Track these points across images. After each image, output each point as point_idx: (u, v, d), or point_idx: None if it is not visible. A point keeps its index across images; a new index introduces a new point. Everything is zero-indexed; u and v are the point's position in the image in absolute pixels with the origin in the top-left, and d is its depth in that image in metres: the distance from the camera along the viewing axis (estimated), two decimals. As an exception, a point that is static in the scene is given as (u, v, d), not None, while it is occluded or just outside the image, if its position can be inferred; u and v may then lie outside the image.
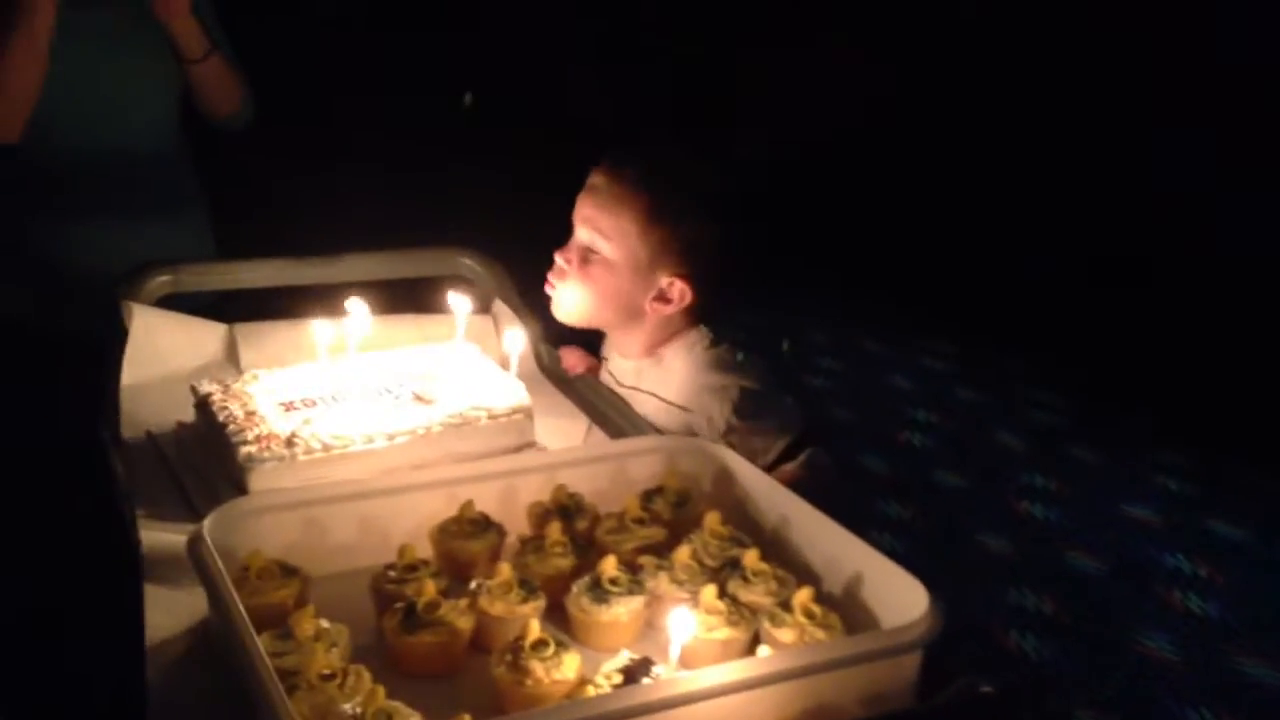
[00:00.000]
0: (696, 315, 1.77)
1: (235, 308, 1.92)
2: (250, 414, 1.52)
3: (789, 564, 1.32)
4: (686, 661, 1.13)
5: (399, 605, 1.20)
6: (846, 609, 1.25)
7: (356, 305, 1.70)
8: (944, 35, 5.33)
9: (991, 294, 4.91)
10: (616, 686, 1.09)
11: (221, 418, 1.52)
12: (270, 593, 1.21)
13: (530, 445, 1.62)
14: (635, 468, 1.49)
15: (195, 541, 1.20)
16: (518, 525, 1.40)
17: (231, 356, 1.79)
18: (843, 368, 4.82)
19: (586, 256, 1.73)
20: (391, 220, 2.17)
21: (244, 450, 1.46)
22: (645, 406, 1.75)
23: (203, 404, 1.56)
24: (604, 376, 1.87)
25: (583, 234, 1.74)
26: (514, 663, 1.12)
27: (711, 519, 1.35)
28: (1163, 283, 4.71)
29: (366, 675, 1.09)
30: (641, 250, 1.70)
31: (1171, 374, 4.46)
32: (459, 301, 1.76)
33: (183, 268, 1.79)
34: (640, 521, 1.37)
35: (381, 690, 1.04)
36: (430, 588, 1.20)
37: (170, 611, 1.25)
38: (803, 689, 1.09)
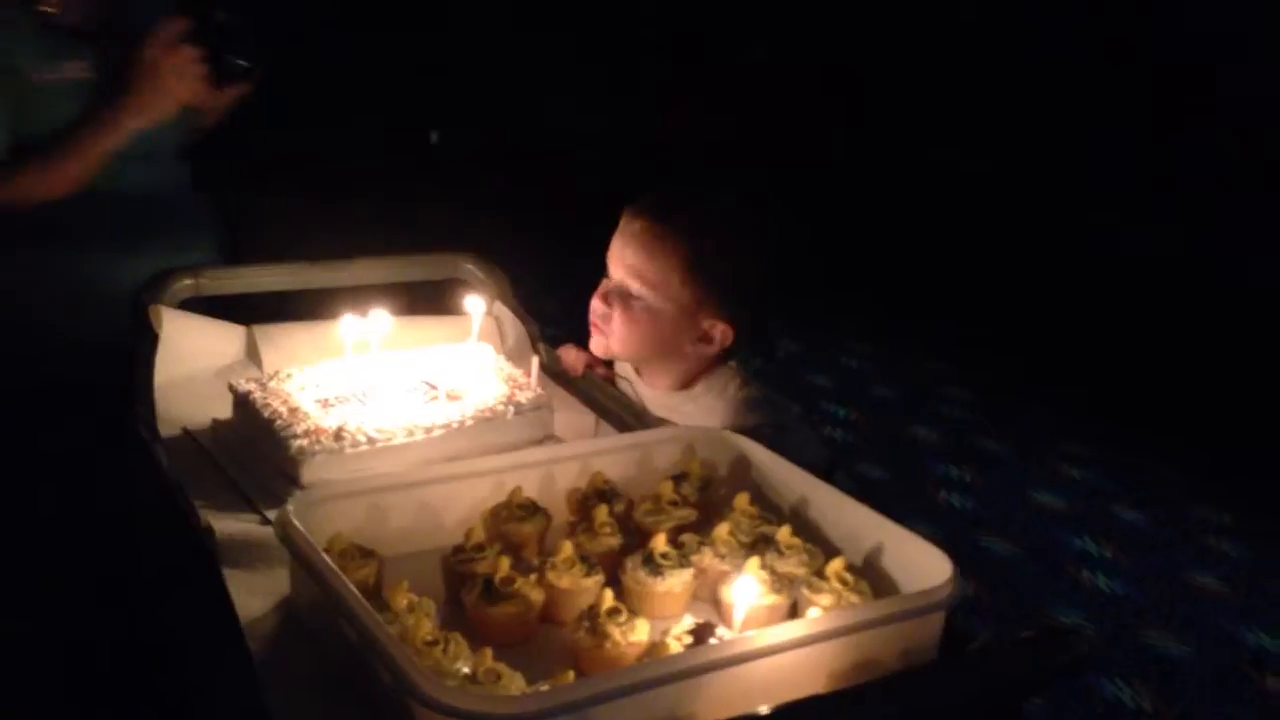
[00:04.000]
0: (731, 351, 1.80)
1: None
2: (294, 410, 1.62)
3: (812, 539, 1.47)
4: (740, 625, 1.27)
5: (476, 581, 1.32)
6: (870, 576, 1.40)
7: (379, 311, 1.80)
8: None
9: (907, 299, 5.17)
10: (689, 646, 1.22)
11: (266, 414, 1.61)
12: (353, 572, 1.31)
13: (550, 438, 1.74)
14: (659, 456, 1.62)
15: (285, 525, 1.30)
16: (557, 509, 1.53)
17: (253, 356, 1.87)
18: (763, 365, 5.01)
19: (627, 301, 1.75)
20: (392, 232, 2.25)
21: (295, 444, 1.55)
22: None
23: (243, 401, 1.65)
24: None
25: (621, 278, 1.75)
26: (592, 628, 1.25)
27: (741, 500, 1.49)
28: (1060, 284, 5.02)
29: (464, 641, 1.20)
30: (685, 296, 1.72)
31: (1071, 370, 4.77)
32: (475, 304, 1.87)
33: (203, 272, 1.86)
34: (675, 504, 1.50)
35: (489, 651, 1.16)
36: (505, 564, 1.31)
37: (253, 592, 1.34)
38: (849, 645, 1.23)
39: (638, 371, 1.89)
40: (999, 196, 5.25)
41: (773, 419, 1.76)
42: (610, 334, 1.79)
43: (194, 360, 1.82)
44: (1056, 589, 3.50)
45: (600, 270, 1.84)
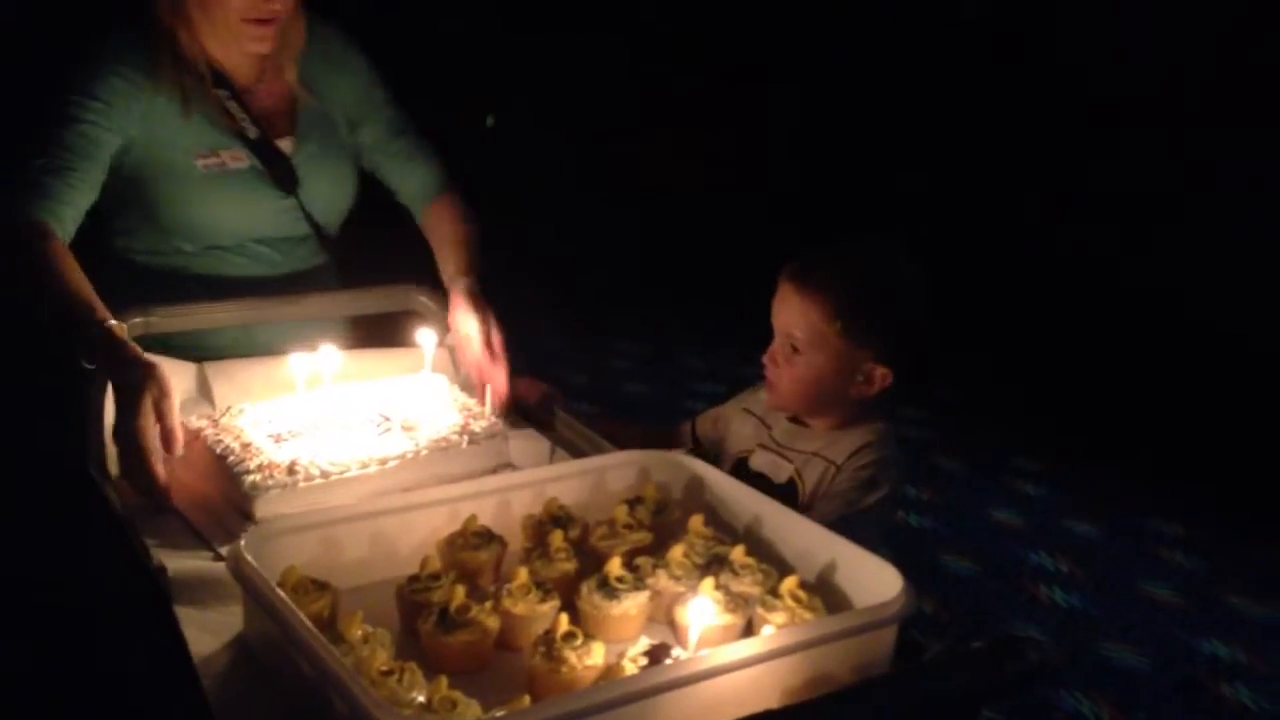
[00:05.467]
0: (890, 394, 1.85)
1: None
2: (246, 445, 1.61)
3: (766, 558, 1.49)
4: (694, 645, 1.28)
5: (431, 610, 1.32)
6: (823, 594, 1.42)
7: (329, 347, 1.80)
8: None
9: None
10: (644, 668, 1.23)
11: (219, 450, 1.60)
12: (307, 606, 1.31)
13: (507, 466, 1.75)
14: (614, 480, 1.64)
15: (237, 560, 1.29)
16: (513, 536, 1.53)
17: (205, 393, 1.86)
18: (726, 390, 5.04)
19: (791, 358, 1.81)
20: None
21: (248, 480, 1.55)
22: (795, 461, 1.84)
23: (195, 438, 1.64)
24: (753, 431, 1.94)
25: (783, 338, 1.82)
26: (548, 653, 1.25)
27: (695, 521, 1.51)
28: (1012, 304, 5.09)
29: (419, 671, 1.21)
30: (840, 347, 1.78)
31: (1023, 387, 4.83)
32: (426, 336, 1.87)
33: (153, 310, 1.85)
34: (629, 527, 1.52)
35: (444, 680, 1.16)
36: (460, 593, 1.32)
37: (207, 629, 1.34)
38: (803, 662, 1.25)
39: (797, 420, 1.91)
40: (947, 219, 5.33)
41: (887, 488, 1.79)
42: (780, 391, 1.85)
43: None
44: (1015, 605, 3.54)
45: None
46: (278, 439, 1.65)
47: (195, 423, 1.66)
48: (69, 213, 1.88)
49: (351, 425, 1.71)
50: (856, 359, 1.79)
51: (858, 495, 1.75)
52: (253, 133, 2.06)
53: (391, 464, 1.63)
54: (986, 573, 3.71)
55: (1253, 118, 4.58)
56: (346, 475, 1.59)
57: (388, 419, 1.73)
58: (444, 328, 2.03)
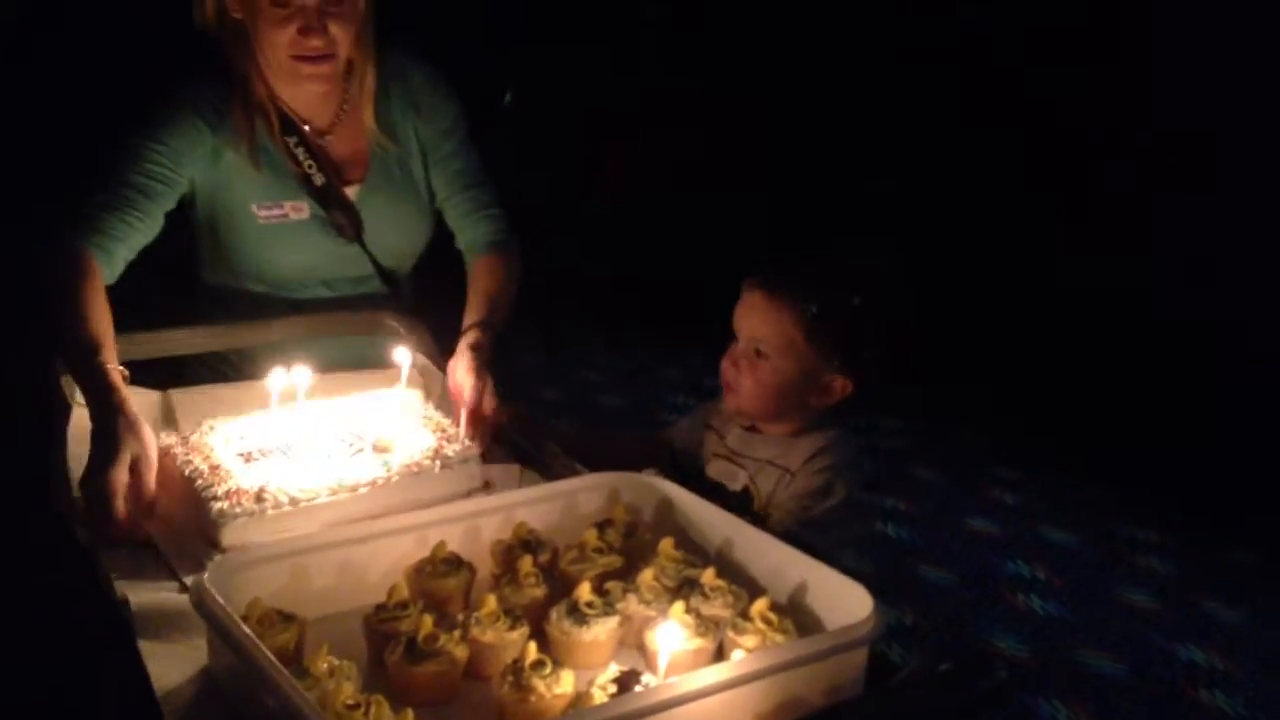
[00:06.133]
0: (848, 403, 1.85)
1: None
2: (215, 468, 1.60)
3: (736, 579, 1.48)
4: (664, 671, 1.28)
5: (398, 640, 1.31)
6: (794, 615, 1.41)
7: (301, 369, 1.78)
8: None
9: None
10: (614, 696, 1.22)
11: (187, 471, 1.59)
12: (272, 638, 1.30)
13: (481, 489, 1.73)
14: (584, 503, 1.63)
15: (200, 593, 1.28)
16: (482, 562, 1.52)
17: (169, 421, 1.84)
18: (701, 401, 5.04)
19: (754, 364, 1.81)
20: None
21: (216, 506, 1.53)
22: (749, 469, 1.84)
23: (164, 457, 1.62)
24: (709, 442, 1.94)
25: (748, 344, 1.82)
26: (516, 682, 1.24)
27: (665, 545, 1.50)
28: (986, 312, 5.10)
29: (386, 704, 1.19)
30: (806, 356, 1.79)
31: (999, 396, 4.85)
32: (402, 354, 1.86)
33: (130, 337, 1.83)
34: (599, 551, 1.51)
35: (410, 713, 1.15)
36: (428, 622, 1.30)
37: (171, 663, 1.32)
38: (774, 685, 1.24)
39: (750, 428, 1.92)
40: (919, 226, 5.34)
41: (845, 490, 1.79)
42: (740, 395, 1.85)
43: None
44: (993, 614, 3.54)
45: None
46: (248, 458, 1.64)
47: (164, 441, 1.64)
48: (120, 250, 1.92)
49: (323, 445, 1.69)
50: (821, 368, 1.80)
51: (811, 502, 1.75)
52: (319, 179, 2.08)
53: (362, 490, 1.61)
54: (964, 582, 3.72)
55: (1219, 121, 4.62)
56: (316, 502, 1.58)
57: (360, 439, 1.72)
58: (415, 346, 2.02)
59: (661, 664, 1.26)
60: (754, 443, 1.88)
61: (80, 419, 1.73)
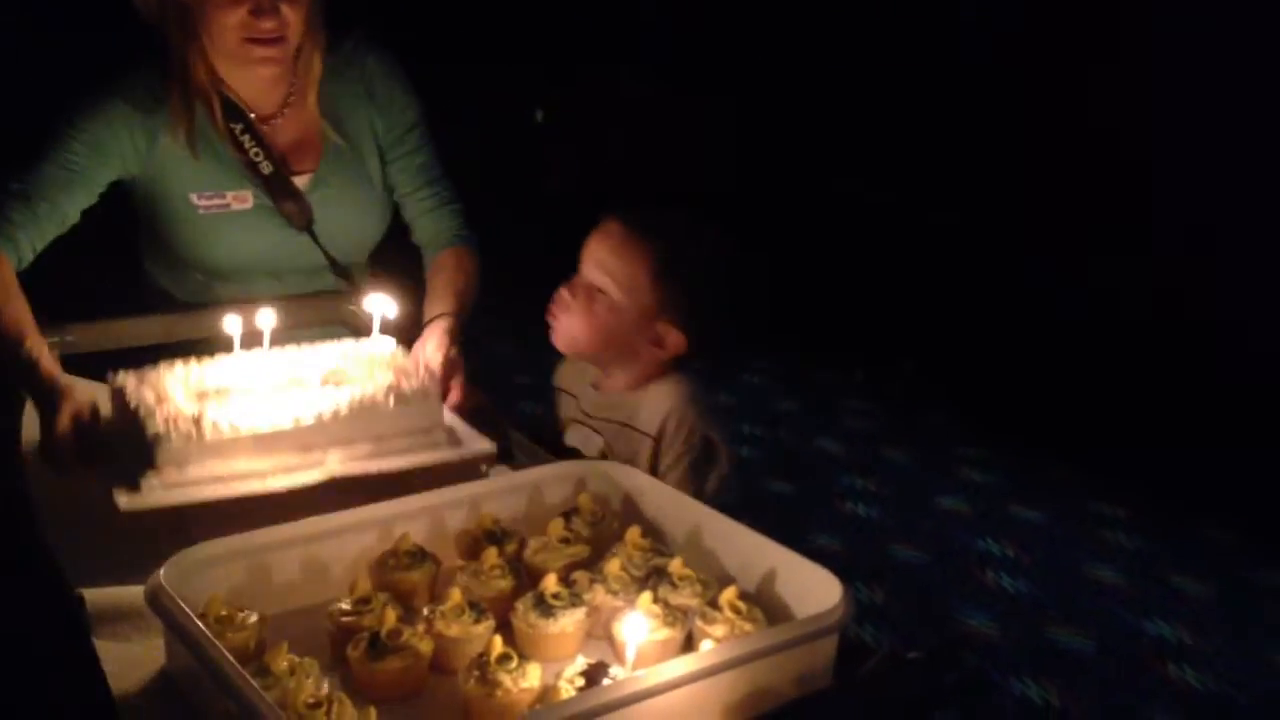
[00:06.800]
0: (683, 360, 1.86)
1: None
2: (161, 399, 1.58)
3: (704, 568, 1.46)
4: (632, 663, 1.26)
5: (361, 635, 1.28)
6: (763, 603, 1.40)
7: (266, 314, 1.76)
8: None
9: (804, 314, 5.22)
10: (581, 689, 1.20)
11: (133, 403, 1.56)
12: (230, 636, 1.27)
13: (438, 427, 1.70)
14: (550, 493, 1.61)
15: (156, 591, 1.25)
16: (447, 554, 1.50)
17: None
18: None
19: (592, 295, 1.82)
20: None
21: (151, 429, 1.50)
22: (605, 433, 1.85)
23: (118, 395, 1.61)
24: (564, 406, 1.96)
25: (592, 274, 1.83)
26: (482, 677, 1.22)
27: (632, 534, 1.48)
28: (953, 293, 5.12)
29: (348, 701, 1.17)
30: (648, 298, 1.80)
31: (966, 377, 4.86)
32: (374, 301, 1.83)
33: (72, 329, 1.80)
34: (566, 541, 1.49)
35: (373, 710, 1.13)
36: (391, 616, 1.28)
37: (126, 663, 1.29)
38: (742, 676, 1.23)
39: (594, 385, 1.94)
40: (887, 213, 5.34)
41: (709, 429, 1.82)
42: (569, 324, 1.85)
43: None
44: (963, 592, 3.55)
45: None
46: (203, 396, 1.61)
47: (120, 380, 1.62)
48: (24, 239, 1.88)
49: (281, 386, 1.67)
50: (657, 314, 1.81)
51: (701, 484, 1.77)
52: (266, 168, 2.03)
53: (307, 422, 1.58)
54: (934, 561, 3.73)
55: (1191, 122, 4.63)
56: (258, 431, 1.55)
57: (313, 376, 1.70)
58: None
59: (630, 655, 1.24)
60: (605, 404, 1.88)
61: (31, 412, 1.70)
